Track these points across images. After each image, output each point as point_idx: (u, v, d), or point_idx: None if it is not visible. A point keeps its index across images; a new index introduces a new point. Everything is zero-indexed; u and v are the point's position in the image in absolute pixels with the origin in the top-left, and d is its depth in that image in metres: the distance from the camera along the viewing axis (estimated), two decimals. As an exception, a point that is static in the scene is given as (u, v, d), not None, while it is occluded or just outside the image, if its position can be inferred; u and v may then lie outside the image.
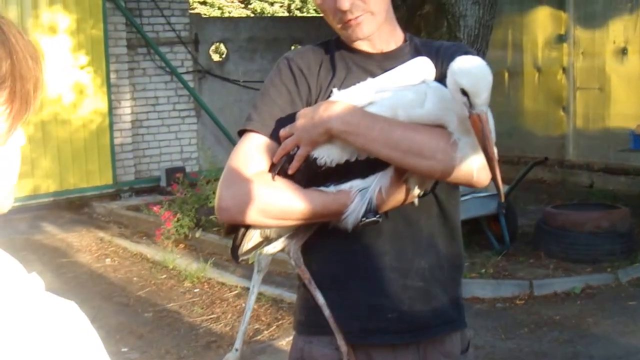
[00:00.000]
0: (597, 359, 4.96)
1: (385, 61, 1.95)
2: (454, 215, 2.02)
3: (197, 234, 7.90)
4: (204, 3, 23.20)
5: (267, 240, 1.98)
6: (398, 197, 1.81)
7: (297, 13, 24.15)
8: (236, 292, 6.43)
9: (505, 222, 6.89)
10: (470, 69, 1.62)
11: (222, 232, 1.95)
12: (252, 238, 1.96)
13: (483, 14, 6.54)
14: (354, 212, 1.78)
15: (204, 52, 11.68)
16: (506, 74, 11.15)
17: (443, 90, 1.71)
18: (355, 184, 1.79)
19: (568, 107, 10.46)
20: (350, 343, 1.92)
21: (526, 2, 10.94)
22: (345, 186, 1.79)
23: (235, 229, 1.94)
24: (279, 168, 1.84)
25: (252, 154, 1.88)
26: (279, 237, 1.96)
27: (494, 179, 1.66)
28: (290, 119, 1.86)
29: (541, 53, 10.80)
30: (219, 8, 23.38)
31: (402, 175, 1.79)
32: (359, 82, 1.85)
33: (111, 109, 10.18)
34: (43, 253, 7.89)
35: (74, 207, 9.89)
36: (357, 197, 1.78)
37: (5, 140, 0.98)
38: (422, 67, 1.84)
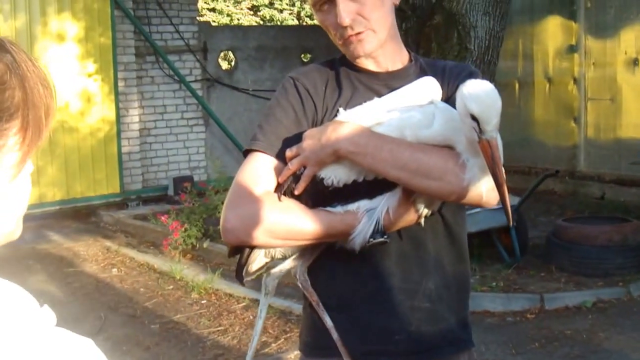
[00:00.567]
0: (609, 375, 4.91)
1: (390, 80, 1.93)
2: (461, 235, 2.01)
3: (205, 245, 7.85)
4: (213, 10, 23.23)
5: (273, 261, 1.96)
6: (406, 218, 1.80)
7: (307, 20, 24.14)
8: (244, 304, 6.38)
9: (515, 234, 6.84)
10: (480, 94, 1.61)
11: (227, 253, 1.92)
12: (257, 259, 1.94)
13: (494, 25, 6.51)
14: (362, 233, 1.77)
15: (213, 60, 11.66)
16: (517, 84, 11.10)
17: (451, 110, 1.71)
18: (363, 204, 1.78)
19: (579, 118, 10.38)
20: None
21: (537, 12, 10.89)
22: (353, 206, 1.78)
23: (240, 250, 1.91)
24: (285, 188, 1.82)
25: (258, 175, 1.86)
26: (284, 257, 1.94)
27: (503, 204, 1.66)
28: (296, 138, 1.85)
29: (552, 63, 10.74)
30: (228, 15, 23.39)
31: (410, 196, 1.77)
32: (365, 101, 1.84)
33: (119, 117, 10.16)
34: (49, 262, 7.87)
35: (80, 215, 9.86)
36: (364, 217, 1.77)
37: (19, 171, 0.98)
38: (429, 87, 1.83)
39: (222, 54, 12.25)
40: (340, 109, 1.85)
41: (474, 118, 1.61)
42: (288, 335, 5.61)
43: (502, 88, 10.62)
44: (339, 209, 1.79)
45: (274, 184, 1.85)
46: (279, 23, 22.97)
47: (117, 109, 10.13)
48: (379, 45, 1.90)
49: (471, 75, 1.87)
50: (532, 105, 11.04)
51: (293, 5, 24.42)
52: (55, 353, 0.90)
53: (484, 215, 6.44)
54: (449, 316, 1.97)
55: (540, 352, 5.29)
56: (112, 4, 10.04)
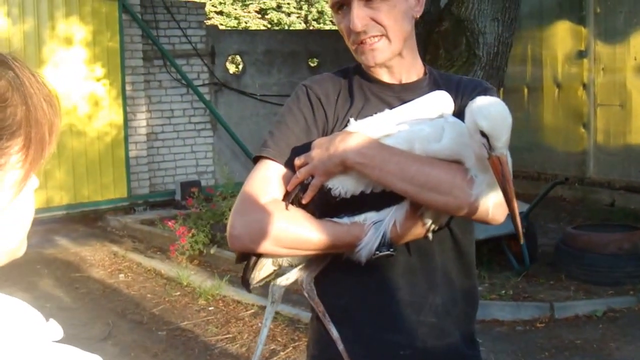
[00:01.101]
0: (620, 386, 4.87)
1: (403, 92, 1.92)
2: (469, 250, 1.98)
3: (212, 251, 7.83)
4: (220, 13, 23.25)
5: (280, 269, 1.95)
6: (413, 231, 1.79)
7: (314, 24, 24.15)
8: (252, 310, 6.34)
9: (525, 242, 6.77)
10: (490, 111, 1.60)
11: (234, 260, 1.92)
12: (263, 267, 1.93)
13: (502, 31, 6.47)
14: (368, 245, 1.76)
15: (221, 64, 11.64)
16: (525, 90, 11.06)
17: (461, 125, 1.69)
18: (370, 216, 1.77)
19: (588, 124, 10.32)
20: None
21: (546, 17, 10.85)
22: (360, 218, 1.77)
23: (247, 257, 1.90)
24: (292, 197, 1.82)
25: (266, 182, 1.85)
26: (291, 266, 1.93)
27: (513, 221, 1.64)
28: (306, 147, 1.84)
29: (561, 69, 10.69)
30: (236, 18, 23.42)
31: (417, 209, 1.76)
32: (376, 112, 1.82)
33: (126, 121, 10.15)
34: (56, 267, 7.86)
35: (87, 220, 9.86)
36: (371, 229, 1.76)
37: (21, 189, 0.97)
38: (440, 101, 1.82)
39: (229, 58, 12.24)
40: (351, 119, 1.84)
41: (483, 134, 1.59)
42: (296, 344, 5.58)
43: (511, 93, 10.64)
44: (345, 220, 1.78)
45: (282, 192, 1.85)
46: (286, 26, 22.98)
47: (125, 113, 10.12)
48: (392, 55, 1.88)
49: (486, 91, 1.85)
50: (541, 110, 10.99)
51: (300, 8, 24.43)
52: None
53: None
54: (456, 332, 1.95)
55: (551, 361, 5.25)
56: (120, 8, 10.05)
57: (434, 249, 1.90)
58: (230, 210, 1.92)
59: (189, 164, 11.11)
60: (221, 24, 21.14)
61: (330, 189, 1.78)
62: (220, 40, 11.65)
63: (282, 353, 5.43)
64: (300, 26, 23.69)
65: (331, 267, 1.90)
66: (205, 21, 11.93)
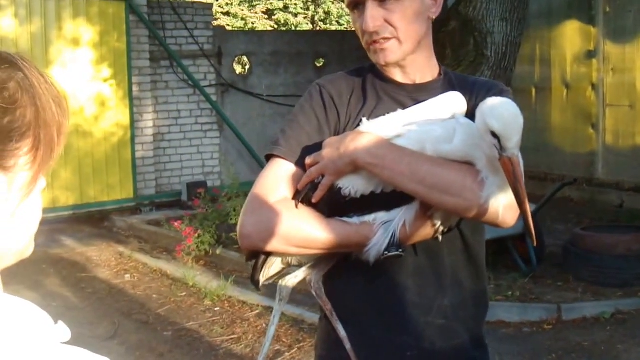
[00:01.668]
0: (628, 388, 4.83)
1: (416, 92, 1.91)
2: (479, 251, 1.98)
3: (218, 251, 7.82)
4: (227, 14, 23.27)
5: (289, 268, 1.96)
6: (422, 231, 1.78)
7: (321, 25, 24.16)
8: (257, 311, 6.32)
9: (531, 242, 6.73)
10: (501, 112, 1.60)
11: (244, 258, 1.95)
12: (273, 265, 1.93)
13: (511, 31, 6.41)
14: (377, 245, 1.76)
15: (227, 65, 11.64)
16: (534, 90, 11.01)
17: (473, 127, 1.69)
18: (379, 216, 1.77)
19: (597, 124, 10.26)
20: None
21: (554, 17, 10.80)
22: (369, 218, 1.77)
23: (257, 255, 1.90)
24: (302, 196, 1.82)
25: (277, 181, 1.86)
26: (300, 265, 1.94)
27: (525, 222, 1.63)
28: (318, 147, 1.84)
29: (570, 69, 10.63)
30: (243, 19, 23.44)
31: (427, 210, 1.76)
32: (388, 112, 1.82)
33: (133, 121, 10.15)
34: (62, 267, 7.86)
35: (93, 220, 9.86)
36: (380, 229, 1.76)
37: (30, 190, 0.98)
38: (453, 102, 1.82)
39: (236, 59, 12.23)
40: (363, 119, 1.83)
41: (494, 135, 1.59)
42: (301, 344, 5.56)
43: (519, 94, 10.58)
44: (355, 219, 1.77)
45: (292, 191, 1.85)
46: (293, 27, 22.98)
47: (132, 113, 10.12)
48: (403, 56, 1.88)
49: (502, 93, 1.83)
50: (549, 111, 10.94)
51: (307, 9, 24.44)
52: None
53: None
54: (464, 334, 1.95)
55: (558, 363, 5.22)
56: (127, 9, 10.05)
57: (443, 250, 1.89)
58: (236, 210, 1.92)
59: (196, 164, 11.10)
60: (228, 25, 21.16)
61: (340, 188, 1.78)
62: (227, 41, 11.65)
63: (286, 354, 5.42)
64: (307, 27, 23.68)
65: (340, 267, 1.90)
66: (212, 22, 11.92)
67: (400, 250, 1.75)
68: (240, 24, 22.87)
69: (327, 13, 24.57)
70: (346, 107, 1.93)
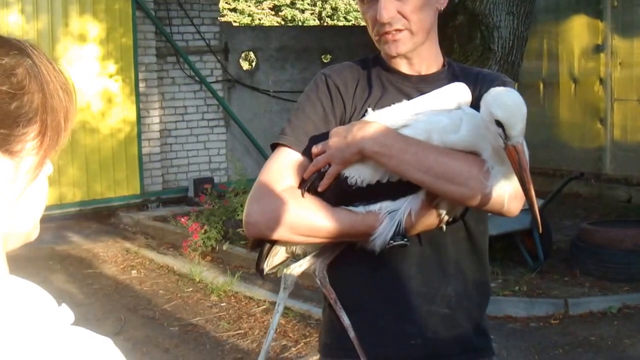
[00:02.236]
0: (634, 383, 4.82)
1: (421, 83, 1.93)
2: (482, 241, 2.00)
3: (225, 247, 7.81)
4: (234, 10, 23.25)
5: (293, 257, 1.99)
6: (428, 221, 1.80)
7: (328, 21, 24.11)
8: (264, 307, 6.32)
9: (539, 237, 6.72)
10: (505, 100, 1.63)
11: (248, 245, 1.98)
12: (277, 254, 1.96)
13: (518, 25, 6.39)
14: (382, 234, 1.77)
15: (234, 61, 11.62)
16: (541, 85, 10.96)
17: (478, 117, 1.71)
18: (385, 205, 1.78)
19: (605, 119, 10.22)
20: None
21: (562, 11, 10.75)
22: (375, 207, 1.78)
23: (262, 243, 1.92)
24: (308, 185, 1.84)
25: (283, 170, 1.87)
26: (305, 254, 1.96)
27: (531, 209, 1.66)
28: (324, 136, 1.86)
29: (577, 63, 10.58)
30: (249, 15, 23.41)
31: (433, 199, 1.77)
32: (394, 102, 1.84)
33: (139, 118, 10.14)
34: (69, 263, 7.88)
35: (100, 217, 9.86)
36: (386, 219, 1.77)
37: (36, 175, 1.00)
38: (458, 93, 1.84)
39: (243, 55, 12.21)
40: (369, 109, 1.85)
41: (499, 124, 1.61)
42: (307, 339, 5.56)
43: (527, 89, 10.55)
44: (361, 208, 1.79)
45: (298, 180, 1.86)
46: (300, 23, 22.94)
47: (138, 109, 10.11)
48: (414, 47, 1.90)
49: (504, 84, 1.85)
50: (557, 106, 10.89)
51: (314, 5, 24.40)
52: (73, 352, 0.91)
53: (506, 217, 6.31)
54: (467, 323, 1.96)
55: (564, 358, 5.21)
56: (133, 5, 10.04)
57: (447, 239, 1.91)
58: (242, 206, 1.92)
59: (202, 160, 11.09)
60: (235, 21, 21.14)
61: (346, 177, 1.79)
62: (234, 37, 11.63)
63: (293, 349, 5.43)
64: (314, 23, 23.63)
65: (344, 256, 1.91)
66: (218, 18, 11.90)
67: (406, 239, 1.77)
68: (247, 20, 22.85)
69: (335, 9, 24.53)
70: (352, 97, 1.94)
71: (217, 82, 11.22)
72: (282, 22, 23.09)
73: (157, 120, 10.52)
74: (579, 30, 10.56)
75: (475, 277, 1.98)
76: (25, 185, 0.99)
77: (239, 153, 11.16)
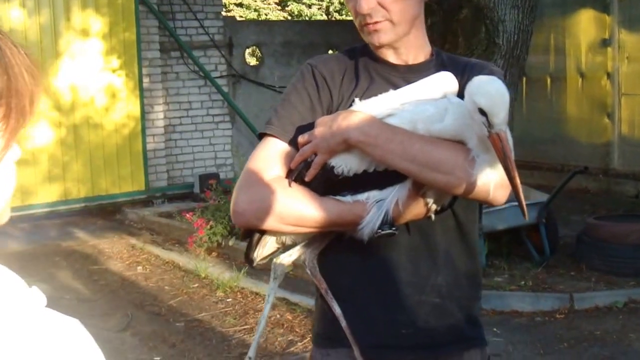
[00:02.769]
0: (639, 377, 4.81)
1: (408, 73, 1.93)
2: (472, 231, 2.00)
3: (230, 242, 7.80)
4: (240, 5, 23.21)
5: (283, 247, 1.98)
6: (415, 210, 1.81)
7: (336, 15, 24.03)
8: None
9: (545, 232, 6.71)
10: (487, 89, 1.64)
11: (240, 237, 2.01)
12: (267, 244, 1.96)
13: (523, 19, 6.36)
14: (370, 224, 1.78)
15: (239, 56, 11.60)
16: (548, 80, 10.91)
17: (464, 106, 1.71)
18: (372, 194, 1.79)
19: (613, 114, 10.18)
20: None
21: (569, 5, 10.70)
22: (362, 196, 1.79)
23: (251, 233, 1.94)
24: (295, 174, 1.84)
25: (270, 160, 1.88)
26: (294, 244, 1.96)
27: (516, 197, 1.66)
28: (310, 126, 1.86)
29: (584, 58, 10.54)
30: (255, 10, 23.37)
31: (420, 188, 1.78)
32: (381, 92, 1.84)
33: (144, 113, 10.12)
34: (75, 259, 7.89)
35: (105, 213, 9.87)
36: (373, 208, 1.78)
37: (2, 157, 0.98)
38: (445, 82, 1.84)
39: (250, 50, 12.17)
40: (356, 99, 1.85)
41: (482, 112, 1.61)
42: (313, 335, 5.54)
43: (534, 84, 10.53)
44: (348, 198, 1.80)
45: (285, 170, 1.87)
46: (307, 18, 22.88)
47: (142, 105, 10.09)
48: (396, 37, 1.89)
49: (492, 73, 1.84)
50: (564, 101, 10.85)
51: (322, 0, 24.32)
52: (41, 333, 0.92)
53: (512, 212, 6.31)
54: (458, 312, 1.97)
55: (569, 352, 5.21)
56: (136, -1, 10.02)
57: (436, 228, 1.91)
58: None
59: (208, 156, 11.07)
60: (241, 16, 21.11)
61: (333, 167, 1.79)
62: (238, 32, 11.60)
63: (299, 344, 5.44)
64: (322, 18, 23.57)
65: (334, 246, 1.92)
66: (222, 12, 11.87)
67: (394, 228, 1.77)
68: (253, 15, 22.81)
69: (343, 3, 24.45)
70: (338, 87, 1.94)
71: (221, 77, 11.19)
72: (289, 17, 23.04)
73: (161, 115, 10.50)
74: (585, 24, 10.52)
75: (466, 267, 1.98)
76: None
77: (245, 148, 11.13)
